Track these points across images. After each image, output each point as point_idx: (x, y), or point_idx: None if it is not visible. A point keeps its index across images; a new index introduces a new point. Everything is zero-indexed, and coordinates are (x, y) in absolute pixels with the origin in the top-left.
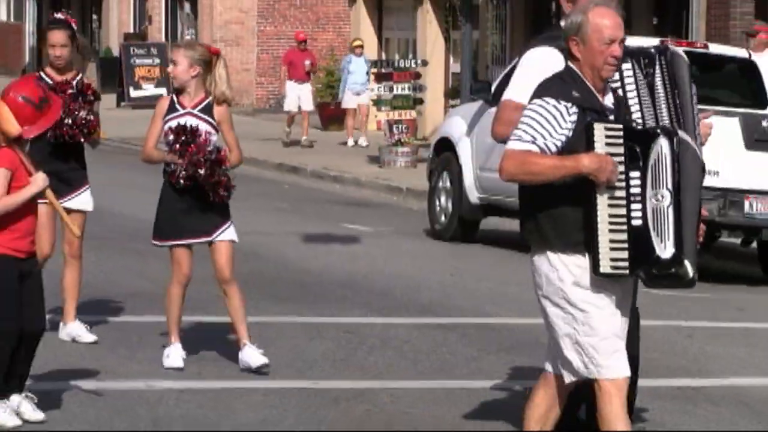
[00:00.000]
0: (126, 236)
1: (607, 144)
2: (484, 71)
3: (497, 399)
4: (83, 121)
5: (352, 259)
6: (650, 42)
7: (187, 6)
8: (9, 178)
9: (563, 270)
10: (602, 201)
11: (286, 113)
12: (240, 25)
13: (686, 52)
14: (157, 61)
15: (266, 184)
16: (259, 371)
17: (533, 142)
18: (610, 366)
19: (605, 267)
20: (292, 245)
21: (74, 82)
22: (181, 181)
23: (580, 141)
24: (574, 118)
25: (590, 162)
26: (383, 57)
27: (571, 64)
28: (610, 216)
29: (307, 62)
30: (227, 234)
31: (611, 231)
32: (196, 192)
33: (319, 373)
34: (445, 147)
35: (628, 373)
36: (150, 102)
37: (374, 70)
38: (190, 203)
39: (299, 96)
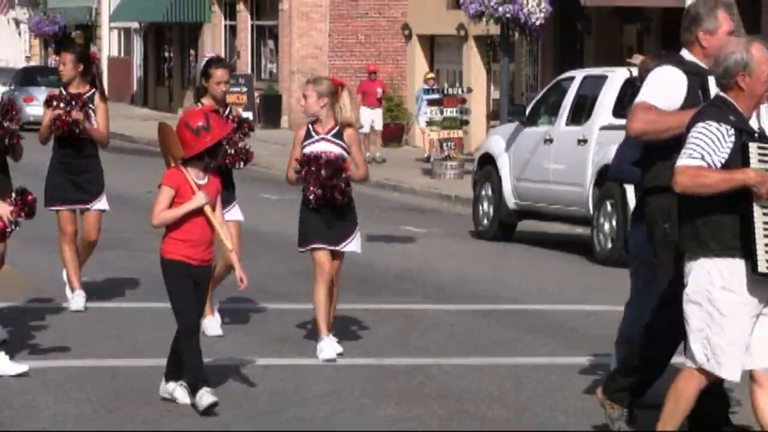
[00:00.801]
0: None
1: (760, 160)
2: (520, 97)
3: (531, 373)
4: (243, 151)
5: (408, 256)
6: None
7: (270, 43)
8: (171, 195)
9: (715, 274)
10: (758, 210)
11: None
12: (314, 59)
13: None
14: (245, 89)
15: None
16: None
17: (702, 159)
18: (729, 369)
19: (762, 267)
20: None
21: (228, 114)
22: (312, 202)
23: (737, 158)
24: (732, 138)
25: (755, 176)
26: (432, 86)
27: (722, 94)
28: (765, 223)
29: (379, 90)
30: (351, 246)
31: (767, 236)
32: (327, 208)
33: (382, 351)
34: (487, 161)
35: (738, 379)
36: None
37: (426, 97)
38: (325, 216)
39: (372, 119)
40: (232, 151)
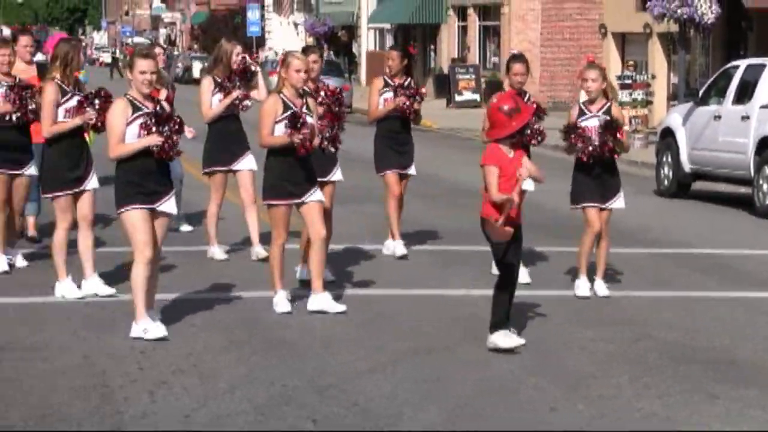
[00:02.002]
0: (451, 192)
1: None
2: (694, 82)
3: (701, 304)
4: (538, 131)
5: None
6: None
7: (494, 40)
8: (496, 173)
9: None
10: None
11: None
12: (528, 53)
13: None
14: (473, 76)
15: None
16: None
17: None
18: None
19: None
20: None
21: (528, 99)
22: (583, 158)
23: None
24: None
25: None
26: (625, 72)
27: None
28: None
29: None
30: (617, 203)
31: None
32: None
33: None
34: (667, 134)
35: None
36: (467, 104)
37: (619, 81)
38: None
39: None
40: (528, 132)
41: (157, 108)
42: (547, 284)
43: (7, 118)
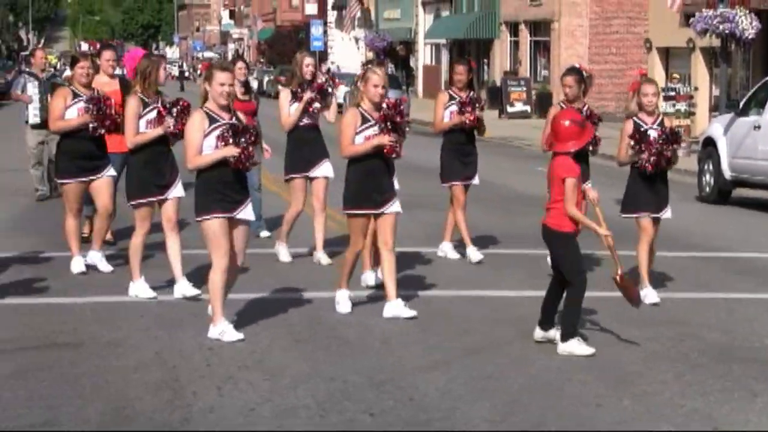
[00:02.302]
0: (502, 198)
1: None
2: (735, 94)
3: (740, 305)
4: (596, 138)
5: None
6: None
7: (544, 54)
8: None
9: None
10: None
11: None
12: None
13: None
14: (524, 88)
15: None
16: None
17: None
18: None
19: None
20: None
21: (584, 110)
22: (648, 167)
23: None
24: None
25: None
26: (669, 85)
27: None
28: None
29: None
30: (668, 213)
31: None
32: (655, 177)
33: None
34: (709, 143)
35: None
36: (518, 115)
37: (663, 93)
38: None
39: None
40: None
41: (233, 119)
42: (593, 285)
43: (90, 129)
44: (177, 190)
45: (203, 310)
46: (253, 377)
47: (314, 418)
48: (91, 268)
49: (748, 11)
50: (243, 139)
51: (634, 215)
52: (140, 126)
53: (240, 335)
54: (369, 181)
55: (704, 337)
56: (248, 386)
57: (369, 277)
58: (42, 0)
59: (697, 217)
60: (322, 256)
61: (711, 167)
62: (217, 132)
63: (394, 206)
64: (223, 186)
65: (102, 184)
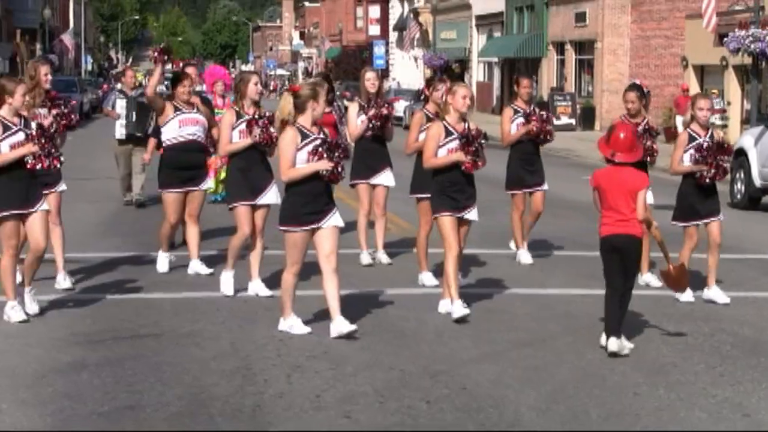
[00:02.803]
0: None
1: None
2: (765, 108)
3: (766, 304)
4: (651, 149)
5: None
6: None
7: (588, 71)
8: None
9: None
10: None
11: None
12: (618, 82)
13: None
14: (570, 103)
15: None
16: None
17: None
18: None
19: None
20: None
21: (644, 123)
22: (708, 180)
23: None
24: None
25: None
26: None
27: None
28: None
29: (689, 103)
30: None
31: None
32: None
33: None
34: (741, 153)
35: None
36: (565, 128)
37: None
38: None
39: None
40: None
41: (321, 134)
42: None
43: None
44: (269, 197)
45: (274, 305)
46: (319, 366)
47: (374, 404)
48: (173, 269)
49: None
50: (336, 154)
51: (684, 224)
52: (233, 136)
53: (308, 329)
54: (451, 189)
55: (735, 332)
56: (314, 374)
57: (426, 278)
58: (130, 23)
59: (729, 221)
60: (382, 256)
61: (742, 176)
62: (310, 147)
63: (472, 214)
64: (314, 198)
65: (197, 196)
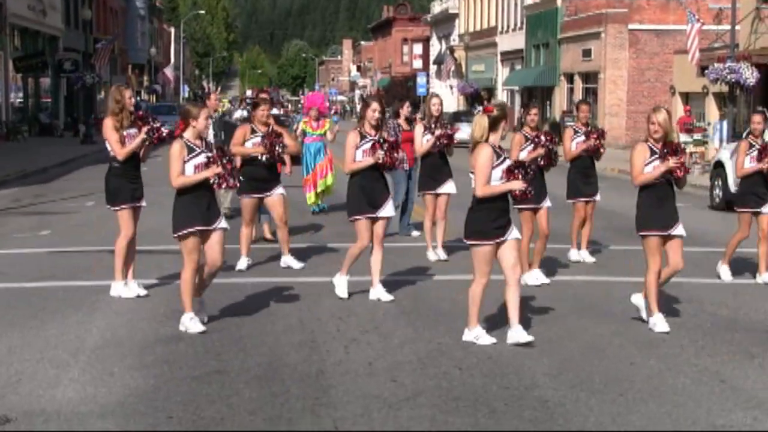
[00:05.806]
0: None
1: None
2: (739, 128)
3: (742, 289)
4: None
5: None
6: None
7: (592, 98)
8: None
9: None
10: None
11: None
12: (618, 107)
13: None
14: None
15: None
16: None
17: None
18: None
19: None
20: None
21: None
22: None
23: None
24: None
25: None
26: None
27: None
28: None
29: (687, 123)
30: None
31: None
32: None
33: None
34: (719, 165)
35: None
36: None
37: (686, 127)
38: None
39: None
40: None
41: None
42: (629, 273)
43: (260, 157)
44: (387, 210)
45: (330, 290)
46: (371, 339)
47: (416, 370)
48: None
49: (750, 64)
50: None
51: (744, 210)
52: (357, 155)
53: (493, 339)
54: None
55: (714, 312)
56: (367, 346)
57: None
58: (219, 59)
59: (709, 220)
60: (440, 253)
61: (720, 183)
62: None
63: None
64: (499, 213)
65: (276, 201)
